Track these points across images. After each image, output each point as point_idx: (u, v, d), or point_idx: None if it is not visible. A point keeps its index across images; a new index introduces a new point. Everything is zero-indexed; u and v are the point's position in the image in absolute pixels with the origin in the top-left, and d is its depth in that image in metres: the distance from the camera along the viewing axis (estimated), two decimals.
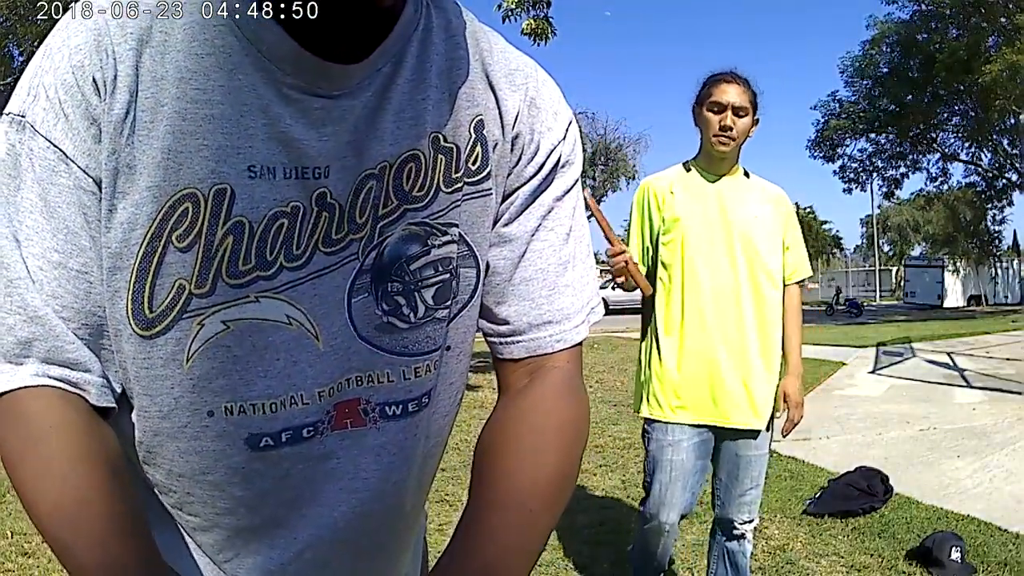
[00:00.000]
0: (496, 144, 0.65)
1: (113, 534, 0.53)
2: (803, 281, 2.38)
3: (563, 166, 0.69)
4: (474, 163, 0.64)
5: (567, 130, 0.70)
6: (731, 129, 2.15)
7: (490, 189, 0.66)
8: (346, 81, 0.58)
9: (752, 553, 2.42)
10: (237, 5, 0.56)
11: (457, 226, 0.64)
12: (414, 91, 0.61)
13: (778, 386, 2.27)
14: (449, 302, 0.66)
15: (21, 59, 17.39)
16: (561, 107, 0.70)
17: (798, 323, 2.33)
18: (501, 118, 0.66)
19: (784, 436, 2.38)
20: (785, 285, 2.30)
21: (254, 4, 0.56)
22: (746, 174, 2.30)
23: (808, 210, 43.08)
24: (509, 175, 0.67)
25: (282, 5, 0.55)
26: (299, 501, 0.65)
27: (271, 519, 0.65)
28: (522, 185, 0.68)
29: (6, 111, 0.58)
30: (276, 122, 0.57)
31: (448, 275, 0.65)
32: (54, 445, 0.54)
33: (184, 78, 0.55)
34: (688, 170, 2.29)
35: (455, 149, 0.63)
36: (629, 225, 2.37)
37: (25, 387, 0.56)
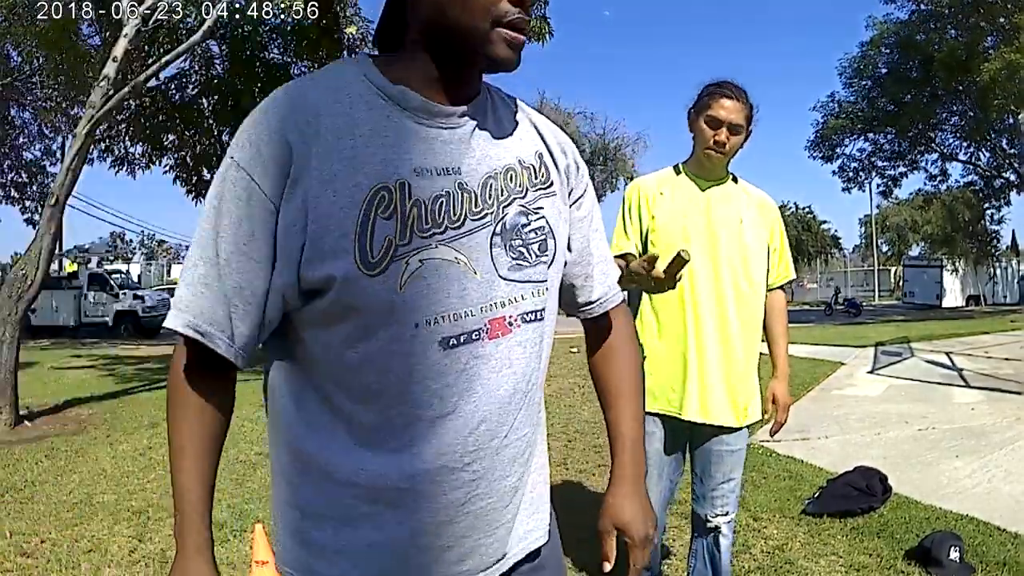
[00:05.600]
0: (551, 164, 1.06)
1: (198, 471, 0.93)
2: (787, 285, 2.42)
3: (585, 171, 1.15)
4: (540, 177, 1.03)
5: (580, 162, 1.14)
6: (724, 144, 2.18)
7: (554, 192, 1.04)
8: (453, 119, 0.94)
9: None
10: (378, 83, 0.92)
11: (542, 210, 1.01)
12: (496, 132, 0.99)
13: (765, 388, 2.34)
14: (546, 254, 1.01)
15: (18, 60, 17.40)
16: (577, 153, 1.14)
17: (784, 326, 2.39)
18: (554, 161, 1.06)
19: (772, 436, 2.40)
20: (771, 289, 2.35)
21: (377, 71, 0.94)
22: (734, 180, 2.32)
23: (807, 210, 43.06)
24: (570, 184, 1.10)
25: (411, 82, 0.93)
26: (471, 390, 0.93)
27: (452, 409, 0.92)
28: (580, 191, 1.12)
29: (228, 153, 0.90)
30: (422, 143, 0.92)
31: (544, 237, 1.01)
32: (183, 393, 0.94)
33: (362, 121, 0.90)
34: (678, 173, 2.31)
35: (532, 168, 1.02)
36: (616, 225, 2.35)
37: (180, 332, 0.89)
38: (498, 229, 0.95)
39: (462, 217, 0.92)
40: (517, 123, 1.04)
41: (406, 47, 0.95)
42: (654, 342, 2.24)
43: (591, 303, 1.16)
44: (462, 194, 0.92)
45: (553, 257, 1.02)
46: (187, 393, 0.93)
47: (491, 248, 0.94)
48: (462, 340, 0.91)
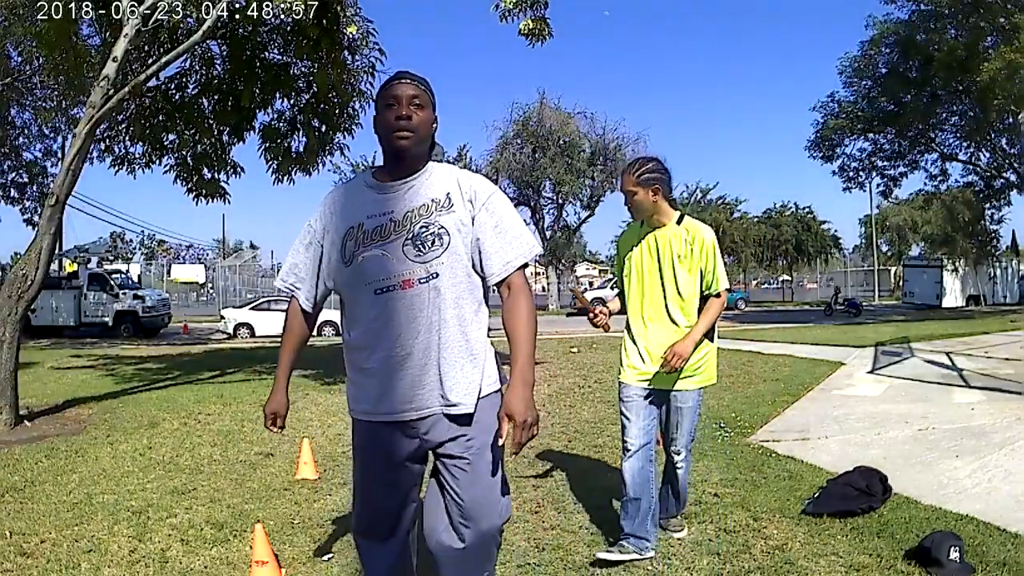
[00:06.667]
0: (459, 198, 2.04)
1: (286, 353, 2.27)
2: (720, 292, 3.24)
3: (489, 199, 2.07)
4: (446, 204, 2.02)
5: (487, 189, 2.09)
6: (631, 210, 3.25)
7: (455, 210, 2.02)
8: (395, 187, 2.05)
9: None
10: (367, 180, 2.12)
11: (440, 221, 2.00)
12: (421, 188, 2.05)
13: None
14: (437, 246, 1.98)
15: (18, 60, 17.35)
16: (483, 184, 2.10)
17: (710, 316, 3.21)
18: (461, 193, 2.04)
19: (665, 373, 3.16)
20: (711, 296, 3.23)
21: (370, 174, 2.13)
22: (680, 219, 3.24)
23: (807, 210, 42.98)
24: (474, 208, 2.05)
25: (376, 174, 2.12)
26: (393, 317, 1.97)
27: (383, 333, 1.99)
28: (480, 212, 2.05)
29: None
30: (373, 202, 2.06)
31: (437, 238, 1.99)
32: (289, 321, 2.25)
33: (352, 197, 2.11)
34: (641, 225, 3.32)
35: (438, 201, 2.03)
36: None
37: (286, 289, 2.21)
38: (409, 236, 1.98)
39: (389, 234, 1.98)
40: (441, 180, 2.04)
41: (383, 159, 2.08)
42: (632, 340, 3.33)
43: (490, 275, 2.04)
44: (391, 224, 1.99)
45: (447, 246, 1.97)
46: (290, 321, 2.20)
47: (403, 247, 1.97)
48: (385, 290, 1.97)
